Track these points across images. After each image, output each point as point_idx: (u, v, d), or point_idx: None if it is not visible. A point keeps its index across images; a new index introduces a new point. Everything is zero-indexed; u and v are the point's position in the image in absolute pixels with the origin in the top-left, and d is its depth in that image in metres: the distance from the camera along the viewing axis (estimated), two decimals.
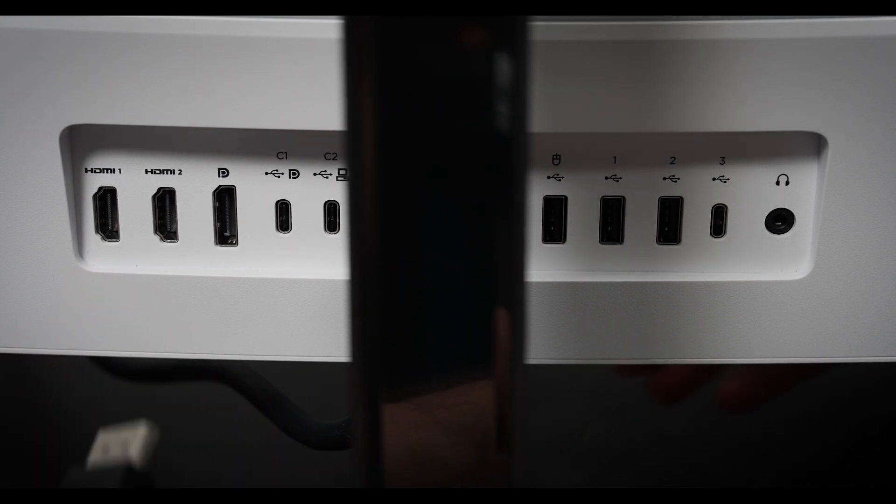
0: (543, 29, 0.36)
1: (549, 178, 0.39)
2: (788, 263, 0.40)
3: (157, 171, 0.40)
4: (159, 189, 0.40)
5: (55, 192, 0.39)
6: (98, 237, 0.40)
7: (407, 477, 0.30)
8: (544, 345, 0.40)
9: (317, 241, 0.40)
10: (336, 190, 0.40)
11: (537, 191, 0.39)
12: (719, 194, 0.40)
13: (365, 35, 0.28)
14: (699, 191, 0.40)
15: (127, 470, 0.53)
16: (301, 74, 0.37)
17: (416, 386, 0.31)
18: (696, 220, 0.40)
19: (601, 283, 0.40)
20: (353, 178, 0.29)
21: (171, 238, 0.40)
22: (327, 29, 0.37)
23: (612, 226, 0.40)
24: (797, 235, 0.40)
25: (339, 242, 0.40)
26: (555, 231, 0.40)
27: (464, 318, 0.30)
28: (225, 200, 0.40)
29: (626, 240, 0.40)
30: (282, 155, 0.40)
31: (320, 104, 0.37)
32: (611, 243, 0.40)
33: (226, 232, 0.41)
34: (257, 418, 0.49)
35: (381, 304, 0.30)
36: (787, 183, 0.39)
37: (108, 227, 0.40)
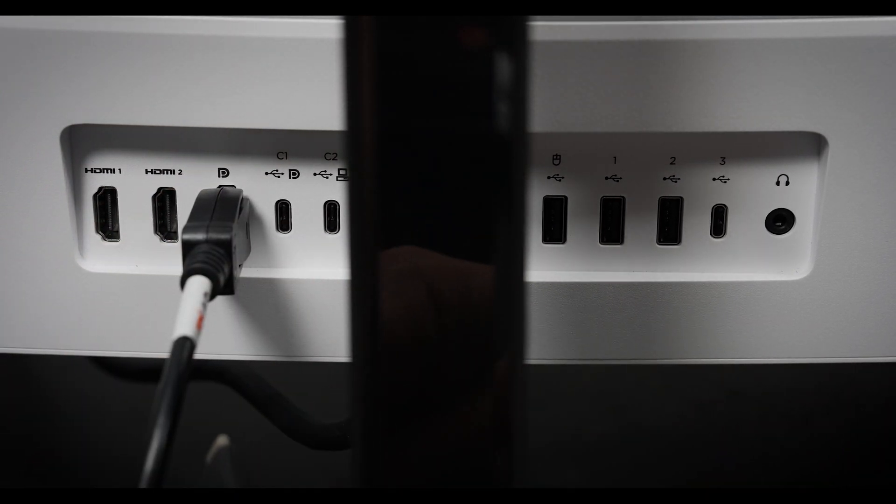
0: (543, 29, 0.36)
1: (549, 178, 0.39)
2: (788, 264, 0.40)
3: (157, 171, 0.40)
4: (159, 189, 0.40)
5: (55, 192, 0.39)
6: (98, 237, 0.40)
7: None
8: (544, 345, 0.40)
9: (317, 241, 0.40)
10: (336, 190, 0.40)
11: (537, 191, 0.39)
12: (719, 194, 0.40)
13: (365, 35, 0.28)
14: (699, 191, 0.40)
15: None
16: (301, 74, 0.37)
17: None
18: (696, 220, 0.40)
19: (601, 283, 0.40)
20: (353, 178, 0.29)
21: (171, 238, 0.40)
22: (327, 29, 0.37)
23: (612, 226, 0.40)
24: (797, 235, 0.40)
25: (339, 242, 0.40)
26: (555, 231, 0.40)
27: None
28: None
29: (626, 240, 0.40)
30: (282, 155, 0.40)
31: (320, 104, 0.37)
32: (611, 243, 0.40)
33: None
34: (257, 418, 0.49)
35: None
36: (787, 183, 0.39)
37: (108, 227, 0.40)
